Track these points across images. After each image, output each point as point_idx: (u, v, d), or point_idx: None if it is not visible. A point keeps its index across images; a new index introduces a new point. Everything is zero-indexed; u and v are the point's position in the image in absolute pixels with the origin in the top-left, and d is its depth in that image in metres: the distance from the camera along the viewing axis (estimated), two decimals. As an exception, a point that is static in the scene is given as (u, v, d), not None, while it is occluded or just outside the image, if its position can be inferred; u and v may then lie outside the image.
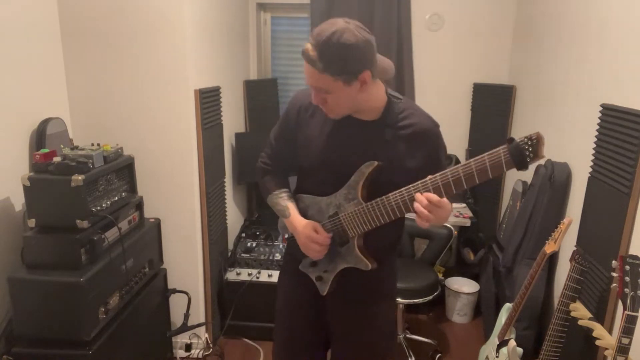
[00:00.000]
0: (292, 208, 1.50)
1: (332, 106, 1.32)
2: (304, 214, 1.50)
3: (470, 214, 2.97)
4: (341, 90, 1.26)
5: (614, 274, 1.53)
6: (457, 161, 3.30)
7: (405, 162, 1.36)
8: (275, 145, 1.57)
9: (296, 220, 1.47)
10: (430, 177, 1.20)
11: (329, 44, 1.19)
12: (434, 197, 1.18)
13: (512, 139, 1.05)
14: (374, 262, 1.40)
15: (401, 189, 1.26)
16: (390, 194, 1.28)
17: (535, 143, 1.03)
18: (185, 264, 2.54)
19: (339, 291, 1.51)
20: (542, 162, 2.39)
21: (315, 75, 1.24)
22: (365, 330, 1.56)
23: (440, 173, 1.19)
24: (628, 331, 1.41)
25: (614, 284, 1.53)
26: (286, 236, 1.62)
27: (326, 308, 1.59)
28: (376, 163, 1.32)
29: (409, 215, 1.31)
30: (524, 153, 1.04)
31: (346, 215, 1.38)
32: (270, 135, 1.59)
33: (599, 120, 1.91)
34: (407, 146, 1.35)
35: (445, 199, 1.20)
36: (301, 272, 1.55)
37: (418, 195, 1.20)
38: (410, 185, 1.24)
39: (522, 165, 1.05)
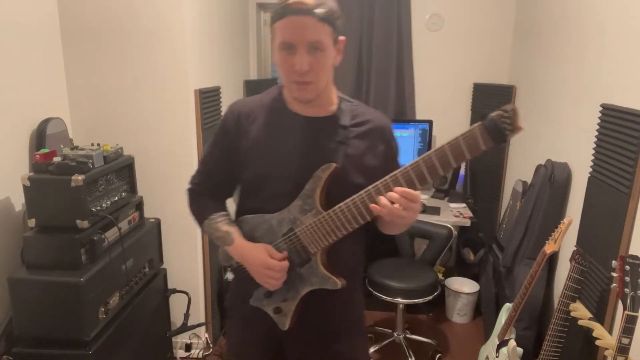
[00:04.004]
0: (234, 232, 1.29)
1: (318, 73, 1.16)
2: (250, 237, 1.28)
3: (470, 214, 2.97)
4: (329, 50, 1.15)
5: (614, 274, 1.53)
6: (457, 161, 3.29)
7: (365, 160, 1.25)
8: (210, 163, 1.38)
9: (243, 246, 1.27)
10: (400, 168, 1.08)
11: None
12: (406, 190, 1.06)
13: (485, 115, 0.98)
14: (342, 279, 1.22)
15: (367, 188, 1.12)
16: (354, 196, 1.13)
17: (511, 115, 0.96)
18: (185, 264, 2.54)
19: (300, 327, 1.29)
20: (541, 161, 2.39)
21: (313, 25, 1.11)
22: None
23: (410, 163, 1.07)
24: (628, 331, 1.41)
25: (614, 284, 1.53)
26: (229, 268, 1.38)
27: (285, 355, 1.37)
28: (334, 165, 1.18)
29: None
30: (501, 127, 0.96)
31: (304, 229, 1.20)
32: (203, 153, 1.41)
33: (599, 120, 1.91)
34: (365, 143, 1.26)
35: (418, 192, 1.09)
36: (250, 312, 1.32)
37: (390, 194, 1.07)
38: (378, 182, 1.10)
39: (501, 140, 0.97)
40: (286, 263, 1.22)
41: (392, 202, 1.08)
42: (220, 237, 1.31)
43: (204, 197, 1.39)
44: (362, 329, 1.44)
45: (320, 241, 1.20)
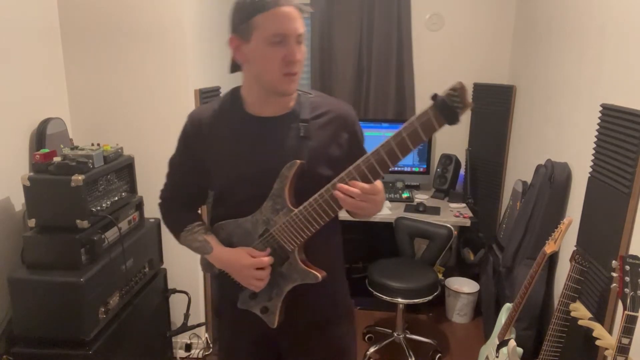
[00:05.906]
0: (212, 240, 1.30)
1: (302, 64, 1.21)
2: (228, 243, 1.30)
3: (470, 214, 2.97)
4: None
5: (614, 274, 1.53)
6: (457, 161, 3.30)
7: (330, 151, 1.25)
8: (177, 176, 1.38)
9: (222, 252, 1.28)
10: (362, 158, 1.08)
11: None
12: (363, 185, 1.07)
13: (435, 95, 0.97)
14: (322, 271, 1.23)
15: (333, 181, 1.12)
16: (321, 190, 1.14)
17: (461, 92, 0.95)
18: (185, 264, 2.54)
19: (289, 321, 1.31)
20: (541, 161, 2.39)
21: (299, 16, 1.16)
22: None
23: (370, 152, 1.07)
24: (628, 331, 1.41)
25: (614, 284, 1.53)
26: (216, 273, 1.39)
27: (279, 349, 1.40)
28: (298, 162, 1.18)
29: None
30: (453, 105, 0.96)
31: (278, 229, 1.21)
32: (169, 166, 1.40)
33: (599, 120, 1.91)
34: (328, 134, 1.25)
35: (379, 184, 1.12)
36: (239, 315, 1.34)
37: (349, 189, 1.08)
38: (343, 174, 1.10)
39: (453, 119, 0.97)
40: (269, 259, 1.23)
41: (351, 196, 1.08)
42: (198, 247, 1.33)
43: (177, 209, 1.40)
44: (351, 316, 1.45)
45: (296, 238, 1.21)
